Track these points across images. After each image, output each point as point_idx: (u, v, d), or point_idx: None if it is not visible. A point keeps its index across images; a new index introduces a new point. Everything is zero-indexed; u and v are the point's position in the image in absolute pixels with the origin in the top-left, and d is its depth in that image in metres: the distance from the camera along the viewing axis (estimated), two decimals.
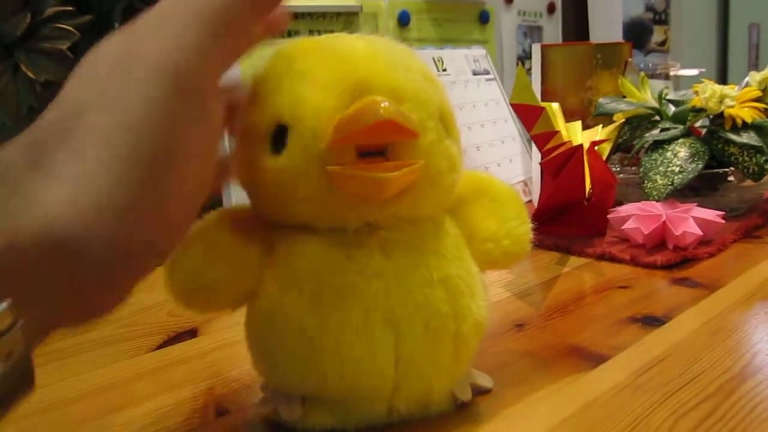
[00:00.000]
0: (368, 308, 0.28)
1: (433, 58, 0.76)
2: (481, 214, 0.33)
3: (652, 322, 0.42)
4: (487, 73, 0.85)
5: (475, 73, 0.82)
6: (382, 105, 0.26)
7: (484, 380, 0.35)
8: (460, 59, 0.81)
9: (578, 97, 0.82)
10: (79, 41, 0.71)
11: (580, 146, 0.56)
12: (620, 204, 0.68)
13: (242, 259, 0.30)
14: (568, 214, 0.62)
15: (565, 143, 0.57)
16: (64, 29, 0.70)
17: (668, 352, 0.37)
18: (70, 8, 0.71)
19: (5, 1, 0.67)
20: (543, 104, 0.63)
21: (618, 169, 0.73)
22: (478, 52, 0.85)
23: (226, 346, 0.42)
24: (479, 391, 0.34)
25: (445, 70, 0.77)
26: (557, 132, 0.58)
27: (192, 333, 0.45)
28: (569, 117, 0.73)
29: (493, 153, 0.79)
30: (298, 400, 0.30)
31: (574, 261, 0.56)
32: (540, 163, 0.59)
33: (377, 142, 0.27)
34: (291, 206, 0.28)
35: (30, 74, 0.69)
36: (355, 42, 0.29)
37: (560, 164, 0.57)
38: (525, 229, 0.34)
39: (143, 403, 0.35)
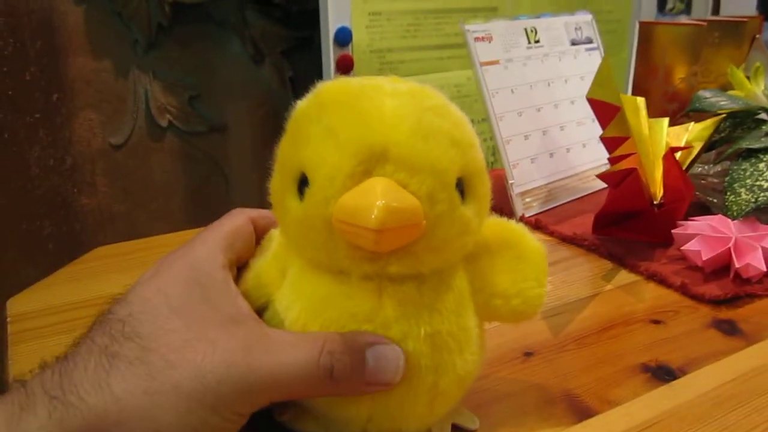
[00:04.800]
0: None
1: (525, 29, 0.72)
2: (499, 268, 0.34)
3: (663, 375, 0.41)
4: (590, 41, 0.79)
5: (574, 43, 0.77)
6: (377, 205, 0.26)
7: (468, 420, 0.36)
8: (559, 28, 0.76)
9: (684, 81, 0.75)
10: None
11: (635, 169, 0.53)
12: (706, 209, 0.64)
13: (262, 277, 0.33)
14: (634, 219, 0.59)
15: (630, 155, 0.54)
16: None
17: (659, 418, 0.37)
18: None
19: None
20: (624, 97, 0.59)
21: (709, 169, 0.68)
22: (583, 18, 0.79)
23: None
24: (461, 430, 0.35)
25: (537, 41, 0.73)
26: (628, 138, 0.55)
27: None
28: (669, 103, 0.68)
29: (580, 132, 0.75)
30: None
31: (622, 277, 0.54)
32: (597, 176, 0.56)
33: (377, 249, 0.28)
34: (304, 248, 0.31)
35: None
36: (385, 100, 0.29)
37: (619, 179, 0.54)
38: (539, 291, 0.34)
39: None
